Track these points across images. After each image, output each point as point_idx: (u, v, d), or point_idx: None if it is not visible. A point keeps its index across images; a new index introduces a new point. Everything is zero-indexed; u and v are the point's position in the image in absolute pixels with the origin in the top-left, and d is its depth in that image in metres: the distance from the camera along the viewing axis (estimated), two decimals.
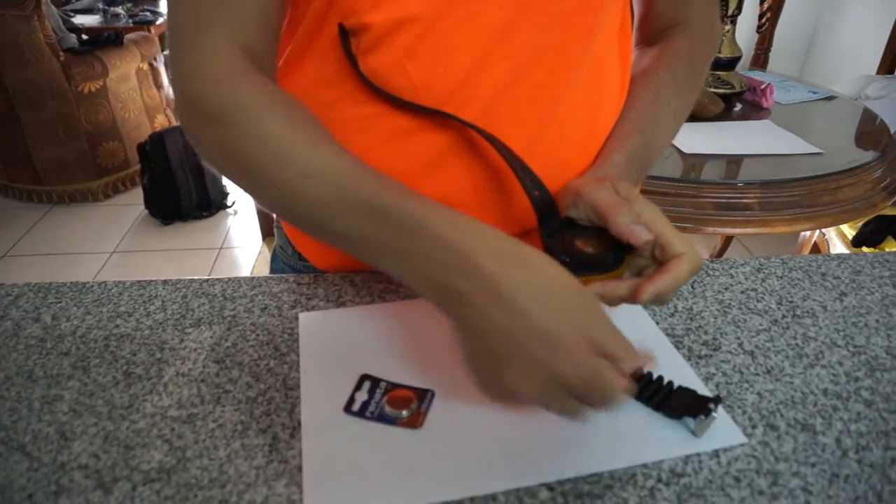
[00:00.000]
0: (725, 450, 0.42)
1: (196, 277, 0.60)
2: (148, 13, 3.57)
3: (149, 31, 3.21)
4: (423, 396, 0.46)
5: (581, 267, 0.42)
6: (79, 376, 0.48)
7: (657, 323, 0.54)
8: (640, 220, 0.43)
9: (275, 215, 0.66)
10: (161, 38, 3.55)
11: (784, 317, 0.56)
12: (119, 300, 0.57)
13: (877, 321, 0.55)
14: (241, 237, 2.58)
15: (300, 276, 0.60)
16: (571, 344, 0.35)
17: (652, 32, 0.63)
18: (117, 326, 0.53)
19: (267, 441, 0.42)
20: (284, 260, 0.69)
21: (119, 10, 3.55)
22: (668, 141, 0.60)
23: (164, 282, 0.59)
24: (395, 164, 0.50)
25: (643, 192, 1.25)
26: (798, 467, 0.41)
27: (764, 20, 1.66)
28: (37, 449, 0.42)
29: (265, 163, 0.42)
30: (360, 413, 0.44)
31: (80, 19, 3.39)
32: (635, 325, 0.54)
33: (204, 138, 0.44)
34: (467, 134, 0.51)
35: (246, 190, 0.45)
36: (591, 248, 0.45)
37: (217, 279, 0.59)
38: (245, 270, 2.37)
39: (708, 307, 0.57)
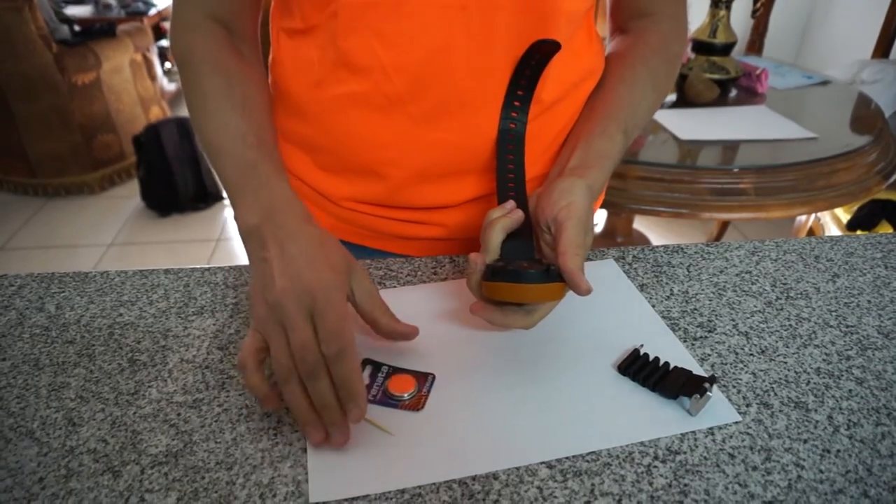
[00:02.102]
0: (720, 427, 0.43)
1: (198, 266, 0.60)
2: (140, 4, 3.54)
3: (141, 22, 3.18)
4: (424, 380, 0.47)
5: (511, 275, 0.44)
6: (84, 364, 0.49)
7: (654, 305, 0.55)
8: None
9: None
10: (154, 29, 3.52)
11: (778, 298, 0.56)
12: (122, 289, 0.57)
13: (868, 301, 0.56)
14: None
15: None
16: (332, 271, 0.43)
17: (623, 20, 0.65)
18: (121, 315, 0.54)
19: (272, 424, 0.43)
20: None
21: (111, 0, 3.52)
22: (637, 133, 0.61)
23: (166, 271, 0.60)
24: (377, 137, 0.56)
25: (641, 179, 1.25)
26: (791, 443, 0.42)
27: (759, 5, 1.66)
28: (46, 434, 0.43)
29: (195, 106, 0.54)
30: None
31: (71, 10, 3.36)
32: (632, 307, 0.55)
33: (179, 74, 0.57)
34: (440, 110, 0.54)
35: (190, 117, 0.56)
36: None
37: (219, 268, 0.60)
38: (243, 262, 2.37)
39: (703, 290, 0.57)
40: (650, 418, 0.44)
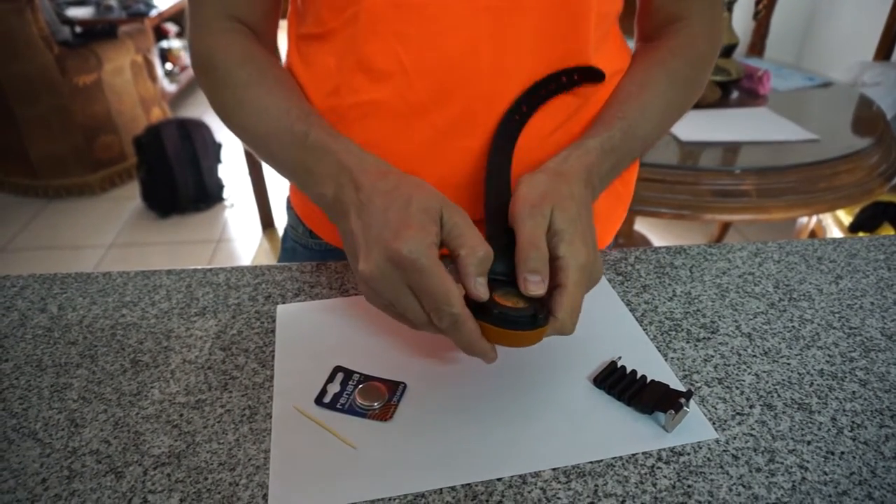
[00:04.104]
0: (723, 429, 0.43)
1: (200, 267, 0.60)
2: (141, 5, 3.55)
3: (143, 23, 3.19)
4: (394, 389, 0.46)
5: (496, 318, 0.40)
6: (87, 365, 0.49)
7: (656, 307, 0.55)
8: (554, 262, 0.42)
9: (285, 201, 0.73)
10: (155, 30, 3.53)
11: (781, 300, 0.56)
12: (124, 290, 0.57)
13: (871, 303, 0.56)
14: (238, 229, 2.58)
15: (303, 264, 0.61)
16: (412, 229, 0.39)
17: (651, 28, 0.62)
18: (123, 316, 0.54)
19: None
20: (295, 239, 0.70)
21: (112, 1, 3.52)
22: (657, 133, 0.57)
23: (168, 272, 0.60)
24: (396, 148, 0.53)
25: (643, 180, 1.25)
26: (795, 445, 0.42)
27: (760, 7, 1.66)
28: (48, 435, 0.43)
29: (230, 104, 0.53)
30: (332, 405, 0.44)
31: (73, 11, 3.36)
32: (614, 318, 0.54)
33: (200, 85, 0.56)
34: (465, 117, 0.52)
35: (225, 125, 0.55)
36: (508, 302, 0.41)
37: (220, 268, 0.60)
38: (244, 263, 2.37)
39: (706, 291, 0.57)
40: (624, 434, 0.42)
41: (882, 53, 2.32)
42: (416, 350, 0.49)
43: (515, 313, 0.40)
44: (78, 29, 2.82)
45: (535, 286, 0.40)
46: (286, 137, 0.49)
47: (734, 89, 1.55)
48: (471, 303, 0.40)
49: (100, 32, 2.79)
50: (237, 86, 0.52)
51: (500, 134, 0.52)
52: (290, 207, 0.71)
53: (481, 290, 0.39)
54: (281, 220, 2.56)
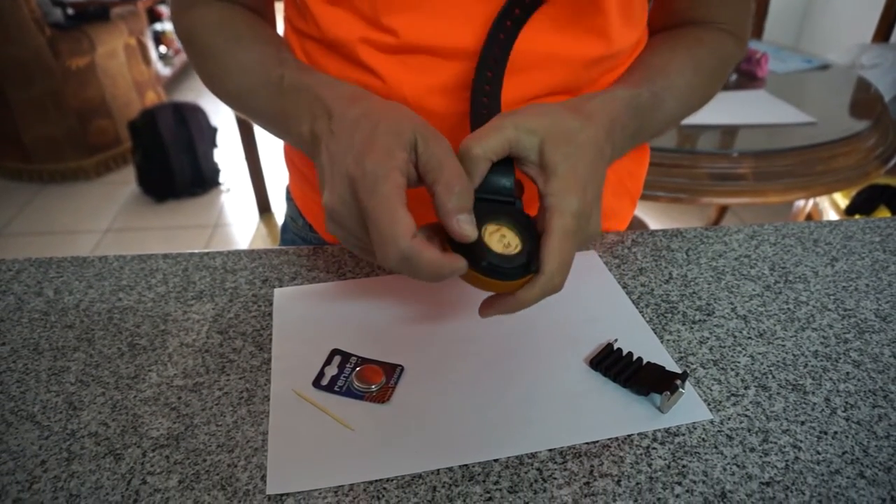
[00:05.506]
0: (718, 410, 0.43)
1: (196, 251, 0.60)
2: None
3: (135, 5, 3.14)
4: (392, 372, 0.46)
5: (485, 269, 0.36)
6: (84, 348, 0.49)
7: (652, 290, 0.55)
8: (543, 202, 0.38)
9: (285, 190, 0.72)
10: (148, 12, 3.48)
11: (776, 282, 0.57)
12: (120, 274, 0.57)
13: (867, 285, 0.56)
14: (235, 214, 2.57)
15: (300, 248, 0.60)
16: (376, 153, 0.36)
17: (667, 27, 0.59)
18: (120, 300, 0.54)
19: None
20: (295, 231, 0.70)
21: None
22: (679, 113, 0.54)
23: (165, 255, 0.60)
24: None
25: None
26: (788, 425, 0.42)
27: None
28: (46, 418, 0.43)
29: (214, 72, 0.52)
30: (329, 388, 0.45)
31: None
32: (610, 300, 0.54)
33: (190, 62, 0.55)
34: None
35: (217, 97, 0.54)
36: (499, 243, 0.37)
37: (217, 252, 0.60)
38: (240, 247, 2.37)
39: (702, 273, 0.58)
40: (619, 415, 0.43)
41: (881, 35, 2.30)
42: (414, 333, 0.50)
43: (506, 263, 0.36)
44: (70, 11, 2.78)
45: (465, 230, 0.35)
46: (266, 89, 0.47)
47: (732, 71, 1.54)
48: (456, 244, 0.36)
49: (92, 14, 2.75)
50: (217, 52, 0.51)
51: (488, 51, 0.47)
52: (289, 198, 0.71)
53: (466, 229, 0.35)
54: (277, 206, 2.55)
